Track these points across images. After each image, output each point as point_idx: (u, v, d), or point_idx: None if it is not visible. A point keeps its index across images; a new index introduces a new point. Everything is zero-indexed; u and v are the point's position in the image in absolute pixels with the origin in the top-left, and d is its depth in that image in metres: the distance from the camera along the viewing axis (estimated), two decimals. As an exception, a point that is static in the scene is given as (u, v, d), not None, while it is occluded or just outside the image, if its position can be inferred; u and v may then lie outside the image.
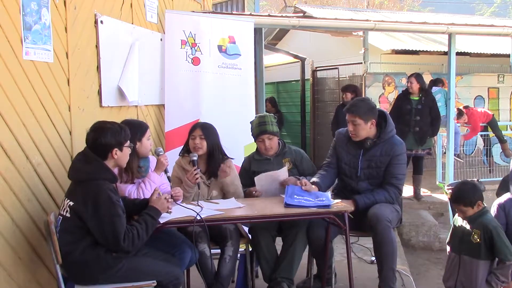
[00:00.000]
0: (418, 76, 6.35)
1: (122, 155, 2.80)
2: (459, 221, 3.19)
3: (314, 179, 3.60)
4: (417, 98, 6.28)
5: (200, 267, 3.27)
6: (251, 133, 3.81)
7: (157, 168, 3.27)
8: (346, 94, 6.71)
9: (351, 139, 3.60)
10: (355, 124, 3.49)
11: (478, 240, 3.01)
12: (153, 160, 3.36)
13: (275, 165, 3.71)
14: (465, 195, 3.11)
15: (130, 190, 3.16)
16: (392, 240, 3.36)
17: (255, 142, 3.79)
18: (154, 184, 3.21)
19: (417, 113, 6.23)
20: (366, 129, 3.50)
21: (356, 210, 3.38)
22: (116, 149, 2.76)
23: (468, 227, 3.09)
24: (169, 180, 3.29)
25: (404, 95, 6.40)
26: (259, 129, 3.69)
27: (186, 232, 3.24)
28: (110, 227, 2.57)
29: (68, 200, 2.67)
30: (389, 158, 3.50)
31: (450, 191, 5.55)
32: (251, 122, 3.84)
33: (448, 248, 3.31)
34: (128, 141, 2.85)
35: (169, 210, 2.90)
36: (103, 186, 2.63)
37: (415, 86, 6.26)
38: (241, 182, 3.76)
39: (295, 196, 3.28)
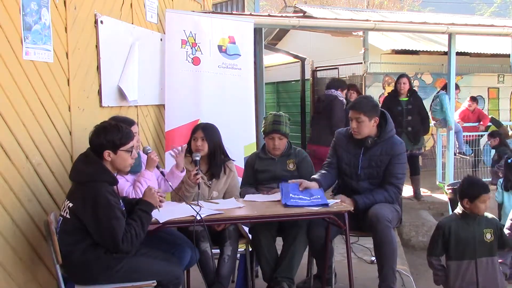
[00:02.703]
0: (408, 77, 6.40)
1: (116, 158, 2.72)
2: (459, 229, 3.15)
3: (315, 176, 3.59)
4: (406, 99, 6.30)
5: (202, 267, 3.27)
6: (262, 129, 3.80)
7: (148, 165, 3.27)
8: (351, 93, 6.67)
9: (351, 138, 3.60)
10: (359, 121, 3.48)
11: (492, 238, 3.08)
12: (145, 159, 3.36)
13: (278, 165, 3.72)
14: (482, 183, 3.16)
15: (128, 191, 3.17)
16: (392, 240, 3.36)
17: (264, 138, 3.79)
18: (150, 182, 3.21)
19: (408, 113, 6.25)
20: (369, 127, 3.50)
21: (356, 210, 3.38)
22: (108, 151, 2.69)
23: (477, 228, 3.11)
24: (163, 175, 3.29)
25: (393, 97, 6.38)
26: (272, 127, 3.68)
27: (187, 232, 3.24)
28: (108, 230, 2.56)
29: (68, 201, 2.66)
30: (389, 157, 3.51)
31: (450, 191, 5.60)
32: (264, 118, 3.84)
33: (442, 260, 3.29)
34: (128, 145, 2.75)
35: (159, 207, 2.85)
36: (102, 188, 2.61)
37: (407, 87, 6.29)
38: (244, 179, 3.78)
39: (290, 195, 3.28)
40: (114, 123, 2.83)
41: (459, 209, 3.21)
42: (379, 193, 3.49)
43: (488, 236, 3.08)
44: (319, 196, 3.30)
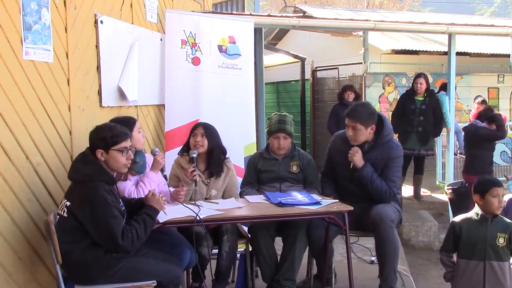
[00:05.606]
0: (426, 77, 6.33)
1: (109, 158, 2.70)
2: (471, 228, 3.10)
3: (328, 191, 3.63)
4: (421, 99, 6.25)
5: (200, 269, 3.27)
6: (267, 129, 3.81)
7: (154, 167, 3.28)
8: (349, 94, 6.66)
9: (348, 141, 3.60)
10: (355, 130, 3.49)
11: (504, 243, 3.02)
12: (150, 160, 3.36)
13: (281, 166, 3.72)
14: (493, 178, 3.14)
15: (130, 190, 3.16)
16: (395, 240, 3.37)
17: (268, 138, 3.78)
18: (153, 183, 3.22)
19: (420, 113, 6.21)
20: (366, 135, 3.52)
21: (358, 176, 3.45)
22: (101, 150, 2.69)
23: (490, 231, 3.04)
24: (166, 179, 3.30)
25: (408, 95, 6.38)
26: (278, 126, 3.68)
27: (187, 232, 3.23)
28: (106, 229, 2.56)
29: (66, 200, 2.67)
30: (385, 161, 3.53)
31: (450, 191, 5.59)
32: (269, 118, 3.84)
33: (454, 257, 3.21)
34: (120, 145, 2.71)
35: (165, 210, 2.89)
36: (99, 188, 2.61)
37: (424, 87, 6.23)
38: (246, 179, 3.77)
39: (278, 198, 3.32)
40: (110, 123, 2.82)
41: (476, 209, 3.14)
42: (382, 183, 3.49)
43: (501, 240, 3.01)
44: (306, 196, 3.37)
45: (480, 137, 5.51)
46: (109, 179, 2.71)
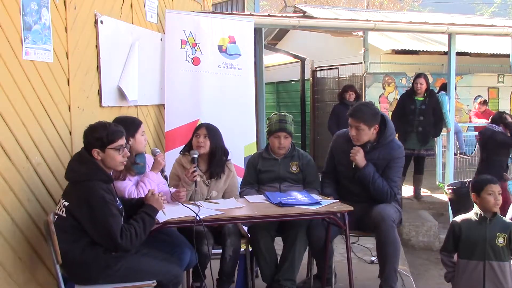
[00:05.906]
0: (426, 77, 6.33)
1: (105, 157, 2.71)
2: (471, 228, 3.10)
3: (328, 191, 3.63)
4: (421, 99, 6.25)
5: (200, 268, 3.27)
6: (267, 129, 3.81)
7: (154, 167, 3.28)
8: (350, 94, 6.67)
9: (350, 141, 3.60)
10: (358, 130, 3.49)
11: (504, 243, 3.02)
12: (150, 160, 3.36)
13: (281, 166, 3.72)
14: (489, 176, 3.13)
15: (130, 190, 3.16)
16: (395, 240, 3.37)
17: (268, 138, 3.78)
18: (154, 183, 3.22)
19: (420, 113, 6.21)
20: (369, 135, 3.52)
21: (360, 177, 3.47)
22: (97, 149, 2.70)
23: (489, 230, 3.04)
24: (166, 179, 3.30)
25: (408, 95, 6.39)
26: (279, 126, 3.69)
27: (188, 232, 3.23)
28: (105, 227, 2.56)
29: (64, 200, 2.67)
30: (387, 161, 3.52)
31: (450, 191, 5.60)
32: (268, 118, 3.85)
33: (454, 257, 3.21)
34: (116, 143, 2.73)
35: (164, 209, 2.89)
36: (96, 186, 2.61)
37: (424, 87, 6.24)
38: (246, 179, 3.78)
39: (278, 198, 3.32)
40: (103, 122, 2.82)
41: (476, 209, 3.14)
42: (383, 183, 3.49)
43: (501, 240, 3.01)
44: (306, 196, 3.37)
45: (497, 142, 5.46)
46: (106, 177, 2.72)
